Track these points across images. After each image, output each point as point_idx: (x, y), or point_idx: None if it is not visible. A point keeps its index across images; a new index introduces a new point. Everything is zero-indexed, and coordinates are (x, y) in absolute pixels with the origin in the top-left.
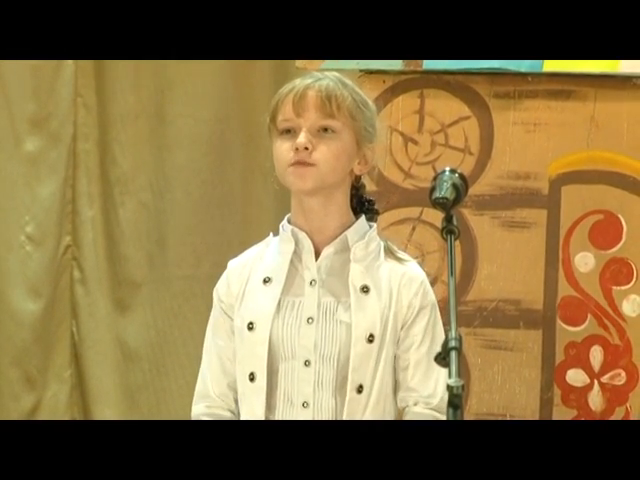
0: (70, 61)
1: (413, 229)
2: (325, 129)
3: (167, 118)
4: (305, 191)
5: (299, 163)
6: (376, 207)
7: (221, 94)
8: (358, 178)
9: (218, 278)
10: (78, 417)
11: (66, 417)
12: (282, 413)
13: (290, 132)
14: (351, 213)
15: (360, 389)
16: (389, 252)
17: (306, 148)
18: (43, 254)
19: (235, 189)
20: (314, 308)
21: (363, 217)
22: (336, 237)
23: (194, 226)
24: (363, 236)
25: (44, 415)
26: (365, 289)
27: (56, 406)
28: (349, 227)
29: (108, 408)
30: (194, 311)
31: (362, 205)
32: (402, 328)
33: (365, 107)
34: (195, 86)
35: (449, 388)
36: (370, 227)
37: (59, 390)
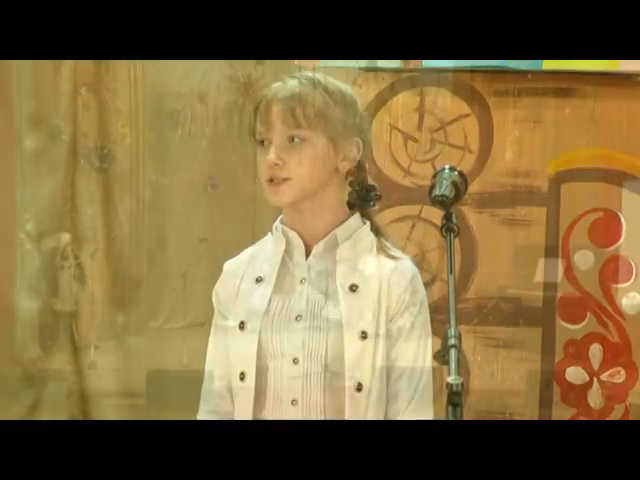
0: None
1: (412, 227)
2: (293, 139)
3: (167, 116)
4: (285, 205)
5: (274, 180)
6: (376, 193)
7: (221, 93)
8: (351, 172)
9: (217, 276)
10: (77, 416)
11: (65, 416)
12: (272, 411)
13: (264, 143)
14: (345, 208)
15: (359, 387)
16: (381, 249)
17: (277, 164)
18: (42, 252)
19: (235, 188)
20: (302, 306)
21: (357, 215)
22: (327, 235)
23: (193, 224)
24: (351, 235)
25: (43, 413)
26: (353, 288)
27: (55, 404)
28: (341, 224)
29: (108, 407)
30: (193, 309)
31: (359, 196)
32: (390, 322)
33: (340, 102)
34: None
35: (448, 386)
36: (364, 223)
37: (58, 388)
